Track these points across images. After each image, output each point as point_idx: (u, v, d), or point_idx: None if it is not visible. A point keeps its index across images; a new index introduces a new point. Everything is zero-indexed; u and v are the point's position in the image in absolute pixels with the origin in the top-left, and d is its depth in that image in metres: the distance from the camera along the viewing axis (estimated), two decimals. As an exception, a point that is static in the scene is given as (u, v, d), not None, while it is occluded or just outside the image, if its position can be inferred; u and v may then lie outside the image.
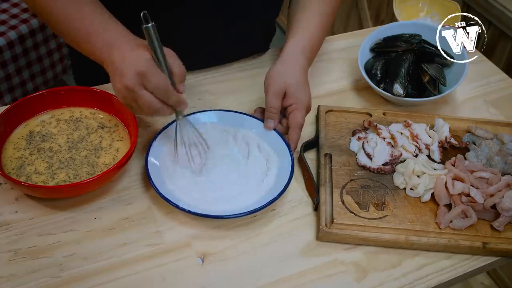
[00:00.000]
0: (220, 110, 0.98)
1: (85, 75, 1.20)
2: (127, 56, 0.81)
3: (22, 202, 0.85)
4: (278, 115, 0.94)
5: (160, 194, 0.82)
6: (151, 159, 0.88)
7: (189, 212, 0.81)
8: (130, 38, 0.85)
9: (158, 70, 0.81)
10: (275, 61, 0.98)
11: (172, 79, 0.83)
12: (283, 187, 0.86)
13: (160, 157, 0.90)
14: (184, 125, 0.89)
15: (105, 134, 0.93)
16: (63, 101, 0.96)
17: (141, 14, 0.78)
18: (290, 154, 0.91)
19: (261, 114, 0.97)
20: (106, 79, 1.00)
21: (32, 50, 1.98)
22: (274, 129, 0.95)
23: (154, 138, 0.91)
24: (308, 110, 0.95)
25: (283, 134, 0.94)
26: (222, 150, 0.93)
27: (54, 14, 0.89)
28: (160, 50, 0.81)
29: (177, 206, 0.81)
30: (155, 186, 0.83)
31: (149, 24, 0.79)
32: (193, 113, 0.96)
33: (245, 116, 0.97)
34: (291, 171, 0.88)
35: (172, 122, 0.92)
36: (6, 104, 1.34)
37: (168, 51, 0.83)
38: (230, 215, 0.82)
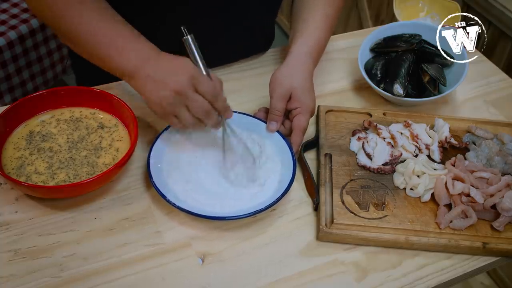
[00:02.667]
0: None
1: (85, 75, 1.20)
2: (170, 65, 0.84)
3: (22, 202, 0.85)
4: (281, 117, 0.94)
5: (161, 194, 0.82)
6: (152, 159, 0.88)
7: (189, 213, 0.81)
8: (164, 52, 0.87)
9: (204, 75, 0.85)
10: (282, 63, 0.98)
11: None
12: (284, 189, 0.85)
13: (161, 158, 0.89)
14: (229, 137, 0.90)
15: (105, 134, 0.93)
16: (63, 101, 0.96)
17: (182, 28, 0.84)
18: (292, 157, 0.90)
19: (264, 114, 0.97)
20: (106, 79, 1.00)
21: (32, 50, 1.98)
22: (277, 131, 0.95)
23: (156, 138, 0.91)
24: (312, 114, 0.95)
25: (285, 136, 0.94)
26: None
27: (75, 27, 0.86)
28: (201, 59, 0.85)
29: (177, 207, 0.81)
30: (157, 187, 0.83)
31: (188, 36, 0.84)
32: None
33: (247, 117, 0.97)
34: (292, 174, 0.87)
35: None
36: (6, 104, 1.34)
37: None
38: (232, 216, 0.82)
